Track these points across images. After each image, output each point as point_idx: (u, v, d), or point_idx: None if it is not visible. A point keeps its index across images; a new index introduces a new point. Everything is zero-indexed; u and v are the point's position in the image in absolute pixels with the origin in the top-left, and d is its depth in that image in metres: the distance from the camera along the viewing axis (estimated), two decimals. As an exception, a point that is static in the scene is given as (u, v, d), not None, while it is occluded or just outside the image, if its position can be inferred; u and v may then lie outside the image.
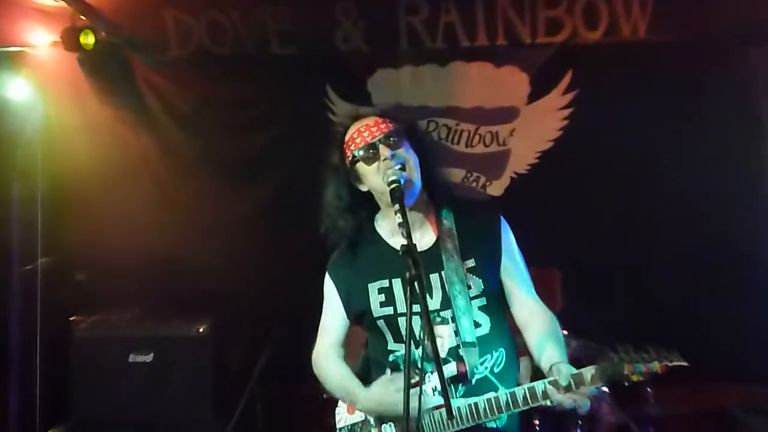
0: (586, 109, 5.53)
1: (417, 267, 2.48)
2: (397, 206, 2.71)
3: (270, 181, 5.78)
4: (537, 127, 5.70)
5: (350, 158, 2.97)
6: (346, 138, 3.00)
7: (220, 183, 5.76)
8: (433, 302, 2.91)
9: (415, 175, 2.88)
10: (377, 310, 2.96)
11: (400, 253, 2.53)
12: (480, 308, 2.93)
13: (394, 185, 2.79)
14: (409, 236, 2.58)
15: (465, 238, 2.94)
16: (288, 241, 5.46)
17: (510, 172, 5.77)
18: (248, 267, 5.53)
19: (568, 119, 5.63)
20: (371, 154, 2.91)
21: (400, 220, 2.65)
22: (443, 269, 2.91)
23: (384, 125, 2.95)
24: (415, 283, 2.49)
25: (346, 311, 3.07)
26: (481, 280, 2.92)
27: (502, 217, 3.02)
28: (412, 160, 2.89)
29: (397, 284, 2.94)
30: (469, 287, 2.90)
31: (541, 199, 5.53)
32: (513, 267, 2.98)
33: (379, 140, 2.91)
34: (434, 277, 2.93)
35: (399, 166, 2.83)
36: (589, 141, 5.49)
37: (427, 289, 2.79)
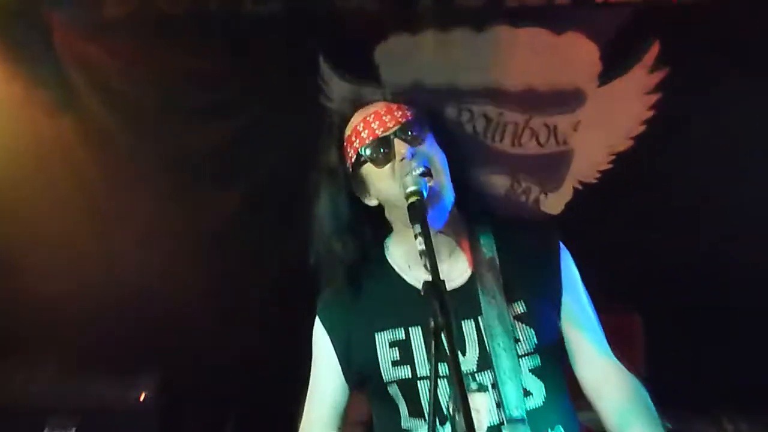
0: (681, 94, 5.50)
1: (445, 312, 2.45)
2: (418, 227, 2.67)
3: (238, 188, 5.81)
4: (612, 119, 5.66)
5: (353, 159, 2.98)
6: (348, 131, 3.01)
7: (170, 189, 5.75)
8: (468, 361, 2.89)
9: (445, 182, 2.89)
10: (389, 372, 2.94)
11: (422, 292, 2.50)
12: (532, 370, 2.91)
13: (414, 198, 2.77)
14: (434, 269, 2.55)
15: (512, 272, 2.94)
16: (263, 271, 5.55)
17: (573, 181, 5.81)
18: (208, 307, 5.56)
19: (654, 108, 5.62)
20: (383, 152, 2.92)
21: (422, 246, 2.61)
22: (481, 315, 2.90)
23: (400, 113, 2.96)
24: (443, 335, 2.44)
25: (344, 373, 3.06)
26: (533, 331, 2.90)
27: (562, 244, 3.02)
28: (439, 161, 2.91)
29: (417, 335, 2.94)
30: (517, 341, 2.89)
31: (615, 219, 5.52)
32: (578, 312, 2.99)
33: (394, 133, 2.92)
34: (469, 327, 2.93)
35: (422, 170, 2.83)
36: (684, 139, 5.46)
37: (458, 342, 2.82)
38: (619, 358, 3.02)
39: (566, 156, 5.79)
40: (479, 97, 5.75)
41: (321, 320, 3.08)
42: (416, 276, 2.92)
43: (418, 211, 2.72)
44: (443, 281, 2.51)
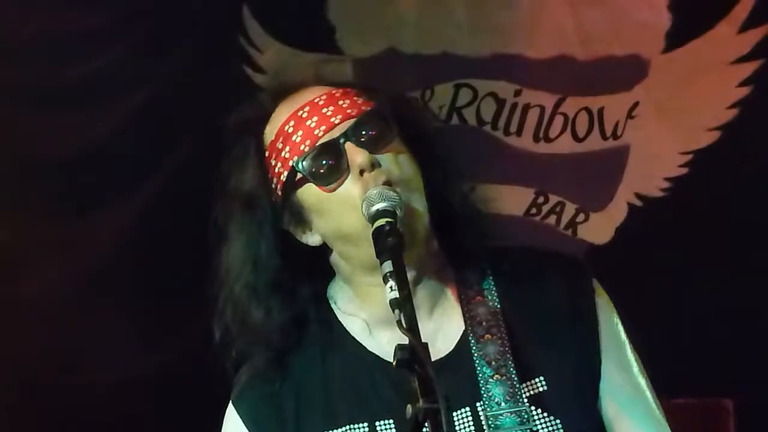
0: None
1: (429, 392, 2.19)
2: (389, 264, 2.47)
3: (114, 215, 5.47)
4: (685, 100, 5.40)
5: (283, 178, 2.78)
6: (270, 134, 2.81)
7: (17, 209, 5.39)
8: None
9: (418, 204, 2.69)
10: None
11: (394, 363, 2.25)
12: None
13: (383, 220, 2.57)
14: (413, 326, 2.34)
15: (524, 333, 2.75)
16: (157, 341, 5.31)
17: (628, 195, 5.47)
18: (67, 386, 5.28)
19: (751, 84, 5.28)
20: (329, 165, 2.73)
21: (395, 292, 2.40)
22: (480, 400, 2.68)
23: (348, 102, 2.78)
24: (427, 428, 2.21)
25: None
26: (559, 422, 2.65)
27: (597, 286, 2.79)
28: (411, 172, 2.72)
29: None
30: None
31: (692, 253, 5.18)
32: (627, 389, 2.76)
33: (345, 135, 2.71)
34: (463, 419, 2.69)
35: (385, 187, 2.66)
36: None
37: None
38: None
39: (617, 156, 5.49)
40: (485, 68, 5.52)
41: (240, 414, 2.84)
42: (382, 341, 2.73)
43: (390, 242, 2.53)
44: (426, 345, 2.29)
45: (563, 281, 2.80)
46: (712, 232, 5.20)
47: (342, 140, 2.68)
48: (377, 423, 2.69)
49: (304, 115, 2.74)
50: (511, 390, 2.68)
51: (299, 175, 2.73)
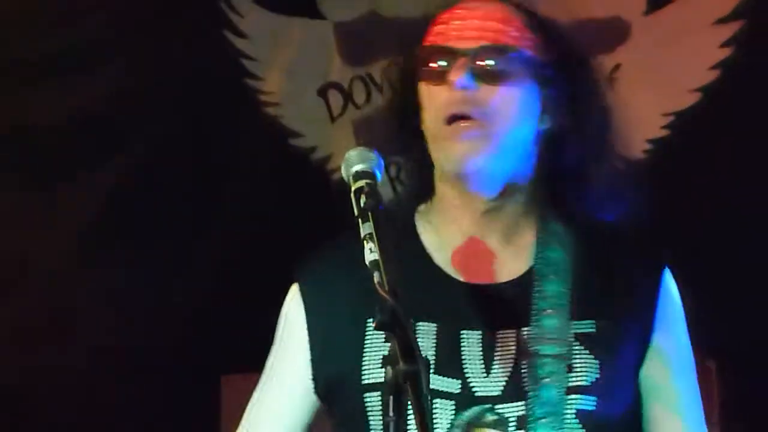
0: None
1: (409, 355, 2.24)
2: (369, 226, 2.50)
3: (97, 181, 5.50)
4: (667, 62, 5.39)
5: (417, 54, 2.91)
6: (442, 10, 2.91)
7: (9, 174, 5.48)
8: (491, 383, 2.80)
9: (494, 146, 2.75)
10: (373, 373, 2.84)
11: (375, 326, 2.33)
12: (579, 414, 2.75)
13: (362, 181, 2.61)
14: (393, 290, 2.36)
15: (586, 284, 2.86)
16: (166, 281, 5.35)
17: None
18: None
19: (732, 45, 5.25)
20: (437, 66, 2.81)
21: (375, 255, 2.44)
22: (527, 325, 2.81)
23: (499, 27, 2.80)
24: (408, 387, 2.20)
25: (313, 377, 2.92)
26: (598, 363, 2.78)
27: (668, 272, 2.93)
28: (499, 121, 2.76)
29: (429, 332, 2.82)
30: (571, 369, 2.77)
31: (674, 215, 5.04)
32: (673, 370, 2.88)
33: (468, 52, 2.78)
34: (506, 336, 2.82)
35: (364, 148, 2.72)
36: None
37: (485, 355, 2.80)
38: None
39: (599, 119, 5.51)
40: (466, 30, 5.50)
41: (302, 292, 2.98)
42: (447, 259, 2.88)
43: (367, 202, 2.57)
44: (406, 305, 2.30)
45: (635, 253, 2.92)
46: (695, 194, 5.23)
47: (460, 55, 2.75)
48: (419, 323, 2.79)
49: (460, 13, 2.82)
50: (560, 325, 2.78)
51: (417, 58, 2.85)
